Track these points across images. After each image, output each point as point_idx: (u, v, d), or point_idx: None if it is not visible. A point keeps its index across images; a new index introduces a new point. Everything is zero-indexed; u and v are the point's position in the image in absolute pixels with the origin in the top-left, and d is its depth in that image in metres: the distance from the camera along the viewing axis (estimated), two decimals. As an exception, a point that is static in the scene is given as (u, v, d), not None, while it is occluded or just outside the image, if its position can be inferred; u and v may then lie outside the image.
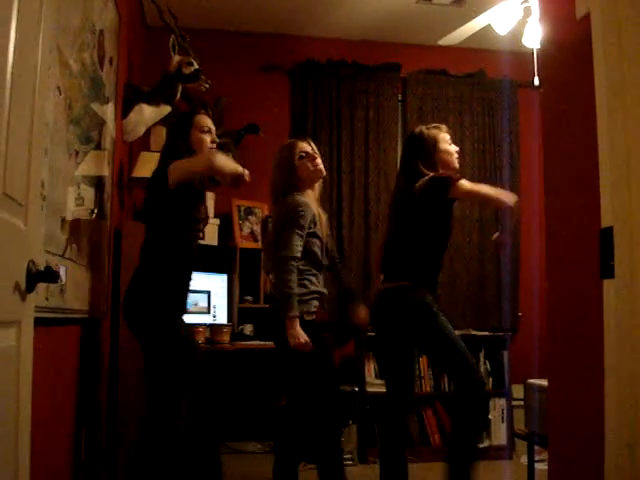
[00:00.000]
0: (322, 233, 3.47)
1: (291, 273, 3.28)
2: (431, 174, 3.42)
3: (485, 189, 3.49)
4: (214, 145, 3.41)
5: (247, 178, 3.34)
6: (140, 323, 3.23)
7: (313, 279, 3.42)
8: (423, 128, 3.64)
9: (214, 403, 3.31)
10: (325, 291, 3.51)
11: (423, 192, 3.40)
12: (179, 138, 3.38)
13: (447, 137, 3.58)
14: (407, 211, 3.51)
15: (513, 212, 3.68)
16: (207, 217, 3.53)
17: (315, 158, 3.52)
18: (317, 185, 3.59)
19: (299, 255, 3.32)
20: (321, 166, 3.55)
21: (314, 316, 3.39)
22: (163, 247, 3.28)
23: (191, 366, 3.23)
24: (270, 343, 3.63)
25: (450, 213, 3.50)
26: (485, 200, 3.68)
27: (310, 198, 3.49)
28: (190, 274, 3.42)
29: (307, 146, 3.54)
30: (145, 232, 3.36)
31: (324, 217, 3.57)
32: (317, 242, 3.44)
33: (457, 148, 3.63)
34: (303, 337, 3.22)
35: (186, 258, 3.34)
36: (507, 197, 3.50)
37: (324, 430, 3.38)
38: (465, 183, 3.38)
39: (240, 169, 3.31)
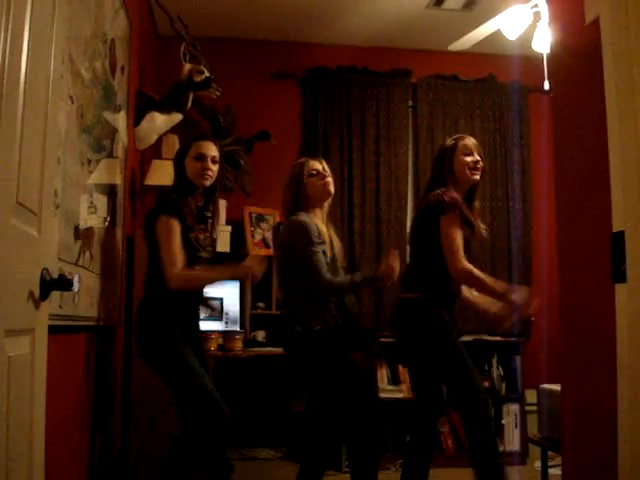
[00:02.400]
0: (328, 249, 3.48)
1: (336, 286, 3.39)
2: (438, 191, 3.38)
3: (459, 255, 3.39)
4: (208, 172, 3.38)
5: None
6: (146, 352, 3.26)
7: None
8: (447, 139, 3.65)
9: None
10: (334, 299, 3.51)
11: (424, 209, 3.44)
12: (178, 163, 3.43)
13: (464, 148, 3.49)
14: (417, 225, 3.56)
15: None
16: (213, 246, 3.52)
17: (325, 177, 3.53)
18: (326, 204, 3.60)
19: (327, 271, 3.37)
20: (331, 186, 3.55)
21: (324, 324, 3.39)
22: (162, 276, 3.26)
23: (193, 389, 3.22)
24: (282, 349, 3.65)
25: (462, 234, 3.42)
26: (450, 257, 3.53)
27: (317, 217, 3.51)
28: (193, 303, 3.44)
29: (318, 165, 3.55)
30: (148, 255, 3.36)
31: (335, 236, 3.60)
32: (326, 257, 3.45)
33: (476, 158, 3.50)
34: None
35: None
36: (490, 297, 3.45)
37: (351, 436, 3.39)
38: (448, 227, 3.31)
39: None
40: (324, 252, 3.43)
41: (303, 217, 3.42)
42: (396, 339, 3.66)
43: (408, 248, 3.75)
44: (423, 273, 3.45)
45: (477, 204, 3.64)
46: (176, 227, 3.22)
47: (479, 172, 3.50)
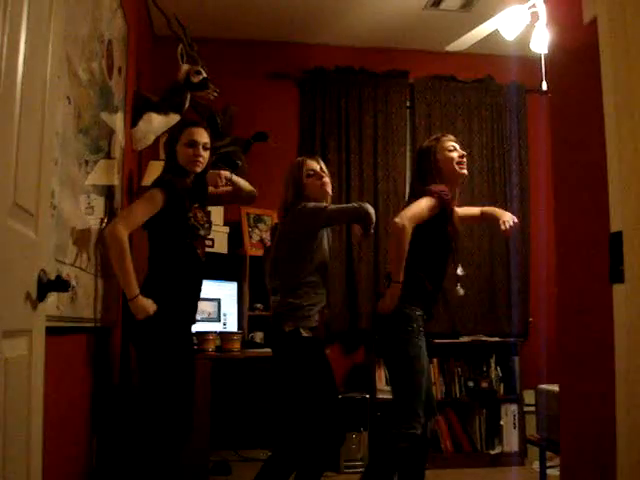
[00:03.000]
0: (325, 249, 3.49)
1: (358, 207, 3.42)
2: (427, 188, 3.41)
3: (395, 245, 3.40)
4: (199, 159, 3.40)
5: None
6: (142, 334, 3.25)
7: (319, 292, 3.45)
8: (424, 142, 3.68)
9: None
10: (324, 303, 3.51)
11: (409, 202, 3.45)
12: (170, 150, 3.44)
13: (448, 144, 3.52)
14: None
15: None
16: (209, 222, 3.52)
17: (322, 177, 3.53)
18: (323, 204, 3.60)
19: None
20: (329, 186, 3.56)
21: (314, 325, 3.40)
22: (166, 256, 3.31)
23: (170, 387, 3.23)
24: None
25: (443, 231, 3.46)
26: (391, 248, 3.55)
27: None
28: (198, 281, 3.43)
29: (315, 165, 3.55)
30: (148, 240, 3.39)
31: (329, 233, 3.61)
32: (322, 256, 3.46)
33: (461, 152, 3.54)
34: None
35: (191, 265, 3.35)
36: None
37: (322, 440, 3.38)
38: (424, 201, 3.36)
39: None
40: (322, 250, 3.44)
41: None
42: (374, 333, 3.72)
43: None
44: (407, 277, 3.42)
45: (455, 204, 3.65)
46: (157, 200, 3.23)
47: (465, 166, 3.52)
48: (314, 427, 3.36)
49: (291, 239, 3.47)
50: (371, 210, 3.39)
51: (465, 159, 3.55)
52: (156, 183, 3.34)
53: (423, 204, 3.34)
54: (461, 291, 3.63)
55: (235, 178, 3.73)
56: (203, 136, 3.44)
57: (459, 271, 3.60)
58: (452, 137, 3.61)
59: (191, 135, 3.41)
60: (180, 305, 3.31)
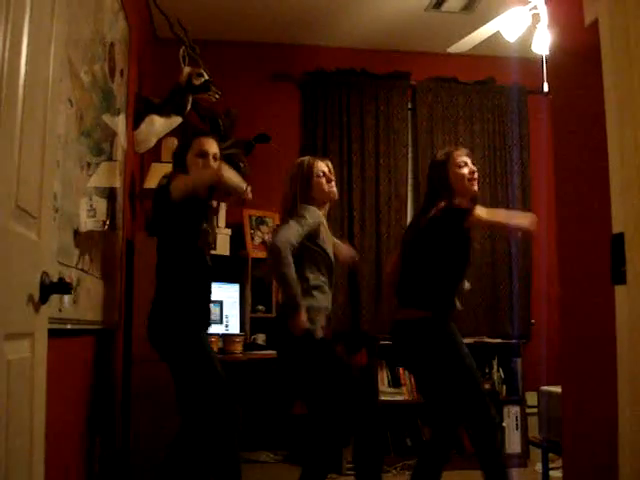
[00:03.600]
0: (330, 251, 3.48)
1: (286, 260, 3.22)
2: (443, 203, 3.39)
3: (501, 215, 3.46)
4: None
5: (249, 195, 3.37)
6: (166, 343, 3.25)
7: (324, 295, 3.43)
8: (438, 152, 3.66)
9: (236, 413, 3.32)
10: (329, 306, 3.50)
11: (435, 222, 3.40)
12: (180, 160, 3.43)
13: (457, 160, 3.49)
14: (421, 239, 3.50)
15: (530, 234, 3.66)
16: (215, 237, 3.54)
17: (331, 180, 3.53)
18: (326, 206, 3.59)
19: (295, 243, 3.27)
20: (334, 189, 3.56)
21: (321, 331, 3.39)
22: (178, 262, 3.30)
23: (212, 383, 3.23)
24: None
25: (466, 241, 3.45)
26: (503, 227, 3.61)
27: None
28: (209, 285, 3.44)
29: (325, 167, 3.54)
30: (157, 248, 3.38)
31: (330, 235, 3.58)
32: (327, 258, 3.45)
33: (472, 169, 3.52)
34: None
35: (202, 270, 3.36)
36: (524, 220, 3.48)
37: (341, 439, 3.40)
38: (481, 213, 3.35)
39: (244, 185, 3.32)
40: (327, 253, 3.43)
41: (313, 208, 3.42)
42: (407, 357, 3.63)
43: (399, 252, 3.71)
44: (427, 287, 3.43)
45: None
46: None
47: (476, 182, 3.51)
48: (337, 426, 3.37)
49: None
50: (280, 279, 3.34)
51: (476, 175, 3.53)
52: (177, 171, 3.37)
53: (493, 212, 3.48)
54: (467, 284, 3.63)
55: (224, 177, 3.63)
56: (213, 147, 3.45)
57: (466, 286, 3.61)
58: (464, 151, 3.58)
59: (202, 145, 3.42)
60: (197, 309, 3.32)
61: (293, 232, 3.27)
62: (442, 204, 3.38)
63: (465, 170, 3.48)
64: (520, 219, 3.51)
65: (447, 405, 3.44)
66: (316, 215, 3.40)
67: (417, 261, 3.53)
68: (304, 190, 3.46)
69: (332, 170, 3.58)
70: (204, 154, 3.39)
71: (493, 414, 3.35)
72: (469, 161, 3.52)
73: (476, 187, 3.52)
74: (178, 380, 3.24)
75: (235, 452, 3.31)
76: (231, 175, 3.28)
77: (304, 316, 3.23)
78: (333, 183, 3.55)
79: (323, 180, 3.50)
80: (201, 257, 3.36)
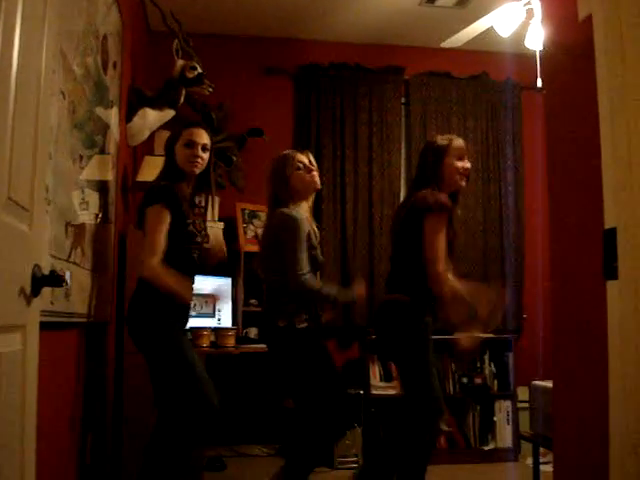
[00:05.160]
0: (315, 243, 3.49)
1: (311, 285, 3.37)
2: (424, 191, 3.39)
3: (454, 286, 3.37)
4: (198, 159, 3.36)
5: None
6: (143, 336, 3.24)
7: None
8: (437, 137, 3.62)
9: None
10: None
11: (410, 209, 3.42)
12: (169, 150, 3.40)
13: (457, 151, 3.49)
14: (402, 224, 3.51)
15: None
16: (206, 232, 3.52)
17: (311, 170, 3.53)
18: (311, 197, 3.60)
19: (308, 268, 3.37)
20: (317, 179, 3.56)
21: (307, 324, 3.40)
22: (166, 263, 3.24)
23: (184, 379, 3.21)
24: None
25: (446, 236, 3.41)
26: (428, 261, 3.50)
27: (303, 209, 3.53)
28: (191, 282, 3.42)
29: (304, 158, 3.55)
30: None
31: (315, 228, 3.59)
32: (311, 252, 3.46)
33: (467, 165, 3.51)
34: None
35: (186, 268, 3.33)
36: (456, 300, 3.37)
37: (326, 433, 3.41)
38: (436, 226, 3.30)
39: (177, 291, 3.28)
40: (312, 246, 3.43)
41: (294, 212, 3.42)
42: (378, 337, 3.74)
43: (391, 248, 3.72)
44: (409, 275, 3.44)
45: (459, 211, 3.65)
46: (166, 217, 3.20)
47: (466, 179, 3.51)
48: (318, 419, 3.38)
49: (272, 240, 3.48)
50: (307, 294, 3.41)
51: (468, 172, 3.53)
52: (156, 196, 3.25)
53: (438, 231, 3.31)
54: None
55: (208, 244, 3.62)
56: (203, 137, 3.41)
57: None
58: (463, 143, 3.57)
59: (190, 135, 3.37)
60: (174, 305, 3.29)
61: (299, 259, 3.35)
62: (422, 193, 3.39)
63: (460, 164, 3.48)
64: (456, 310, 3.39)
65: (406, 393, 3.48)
66: (303, 218, 3.43)
67: (399, 250, 3.56)
68: (284, 184, 3.48)
69: (313, 161, 3.59)
70: (192, 144, 3.35)
71: (435, 417, 3.37)
72: (465, 155, 3.52)
73: (464, 183, 3.52)
74: (152, 374, 3.23)
75: (189, 453, 3.28)
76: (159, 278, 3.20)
77: (350, 291, 3.58)
78: (315, 173, 3.55)
79: (302, 172, 3.51)
80: (186, 255, 3.34)
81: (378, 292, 5.53)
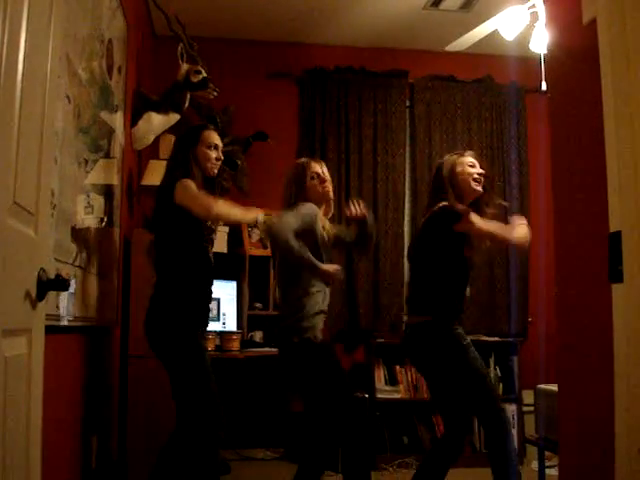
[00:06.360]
0: (327, 252, 3.48)
1: (288, 241, 3.25)
2: (442, 204, 3.39)
3: (495, 227, 3.38)
4: (218, 163, 3.42)
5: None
6: (163, 340, 3.22)
7: (321, 298, 3.43)
8: (446, 156, 3.64)
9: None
10: (326, 309, 3.51)
11: (430, 223, 3.42)
12: (186, 152, 3.37)
13: (468, 160, 3.50)
14: (419, 242, 3.53)
15: (524, 248, 3.58)
16: (215, 230, 3.53)
17: (324, 181, 3.54)
18: (323, 208, 3.59)
19: (295, 230, 3.29)
20: (329, 190, 3.57)
21: (321, 336, 3.42)
22: (180, 259, 3.26)
23: (204, 383, 3.21)
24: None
25: (465, 245, 3.42)
26: (494, 239, 3.52)
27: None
28: (210, 284, 3.42)
29: (318, 168, 3.55)
30: (155, 245, 3.35)
31: (328, 230, 3.58)
32: (326, 261, 3.45)
33: (480, 170, 3.51)
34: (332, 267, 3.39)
35: (204, 268, 3.34)
36: (518, 233, 3.42)
37: (344, 437, 3.41)
38: (476, 220, 3.30)
39: (250, 216, 3.36)
40: (323, 255, 3.42)
41: (312, 205, 3.43)
42: (415, 364, 3.71)
43: (407, 265, 3.72)
44: (431, 293, 3.43)
45: (489, 210, 3.61)
46: (194, 185, 3.24)
47: (481, 185, 3.50)
48: (331, 424, 3.39)
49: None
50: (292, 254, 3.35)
51: (483, 178, 3.52)
52: (179, 175, 3.28)
53: (478, 220, 3.34)
54: (467, 291, 3.63)
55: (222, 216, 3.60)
56: (218, 139, 3.47)
57: (467, 292, 3.61)
58: (473, 153, 3.60)
59: (212, 138, 3.42)
60: (196, 308, 3.29)
61: (288, 218, 3.32)
62: (440, 204, 3.38)
63: (473, 170, 3.48)
64: (514, 232, 3.42)
65: (457, 407, 3.43)
66: (312, 208, 3.42)
67: (417, 265, 3.57)
68: (300, 192, 3.49)
69: (326, 171, 3.59)
70: (216, 147, 3.41)
71: (504, 415, 3.38)
72: (477, 163, 3.53)
73: (480, 188, 3.51)
74: (173, 379, 3.22)
75: (215, 455, 3.28)
76: (225, 210, 3.30)
77: (326, 265, 3.36)
78: (327, 184, 3.55)
79: (316, 182, 3.52)
80: (204, 255, 3.35)
81: (383, 295, 5.53)
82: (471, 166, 3.50)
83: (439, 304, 3.39)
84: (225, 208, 3.29)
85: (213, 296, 3.55)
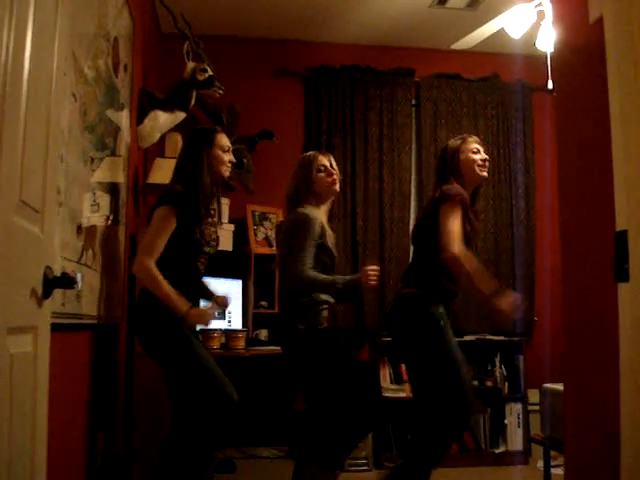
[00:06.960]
0: (330, 245, 3.49)
1: (313, 278, 3.36)
2: (443, 187, 3.40)
3: (475, 272, 3.29)
4: (230, 165, 3.46)
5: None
6: (152, 341, 3.24)
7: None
8: (450, 140, 3.66)
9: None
10: (333, 300, 3.52)
11: (432, 204, 3.43)
12: (200, 154, 3.37)
13: (472, 146, 3.52)
14: (421, 222, 3.57)
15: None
16: (217, 240, 3.50)
17: (332, 174, 3.55)
18: (329, 201, 3.61)
19: (311, 265, 3.36)
20: (337, 183, 3.57)
21: (326, 324, 3.44)
22: (165, 267, 3.19)
23: (199, 381, 3.21)
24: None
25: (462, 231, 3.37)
26: (469, 279, 3.44)
27: (321, 212, 3.54)
28: (194, 294, 3.40)
29: (326, 161, 3.57)
30: None
31: (332, 233, 3.59)
32: (326, 253, 3.46)
33: (484, 156, 3.54)
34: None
35: (189, 279, 3.33)
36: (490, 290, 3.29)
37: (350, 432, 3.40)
38: (450, 212, 3.28)
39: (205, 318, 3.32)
40: (326, 247, 3.44)
41: (309, 211, 3.43)
42: (391, 335, 3.71)
43: (412, 247, 3.75)
44: (422, 268, 3.46)
45: (477, 207, 3.64)
46: (171, 221, 3.19)
47: (486, 169, 3.51)
48: (344, 418, 3.36)
49: (288, 238, 3.48)
50: (316, 288, 3.41)
51: (487, 163, 3.54)
52: (167, 198, 3.25)
53: (452, 216, 3.29)
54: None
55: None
56: (230, 143, 3.52)
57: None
58: (477, 139, 3.62)
59: (225, 141, 3.47)
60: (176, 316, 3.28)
61: (303, 256, 3.35)
62: (443, 187, 3.39)
63: (477, 156, 3.50)
64: (489, 285, 3.28)
65: (432, 398, 3.37)
66: (313, 220, 3.43)
67: (418, 245, 3.61)
68: (306, 186, 3.52)
69: (334, 164, 3.60)
70: (229, 149, 3.46)
71: (466, 416, 3.34)
72: (482, 149, 3.54)
73: (485, 174, 3.53)
74: (167, 378, 3.25)
75: (206, 456, 3.27)
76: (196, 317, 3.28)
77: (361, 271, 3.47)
78: (335, 177, 3.56)
79: (324, 174, 3.53)
80: (191, 266, 3.33)
81: (389, 293, 5.52)
82: (475, 152, 3.51)
83: (432, 279, 3.39)
84: (147, 269, 3.14)
85: (219, 294, 3.57)
